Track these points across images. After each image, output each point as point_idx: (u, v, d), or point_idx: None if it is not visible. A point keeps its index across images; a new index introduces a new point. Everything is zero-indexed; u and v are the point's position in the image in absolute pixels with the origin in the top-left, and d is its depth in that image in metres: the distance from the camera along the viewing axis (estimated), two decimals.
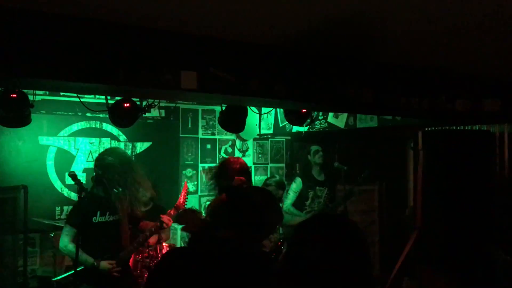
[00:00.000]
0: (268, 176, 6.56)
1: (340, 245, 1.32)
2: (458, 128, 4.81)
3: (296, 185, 5.11)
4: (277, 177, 5.45)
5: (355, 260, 1.32)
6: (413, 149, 4.59)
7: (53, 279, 4.16)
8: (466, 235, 3.76)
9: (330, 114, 5.46)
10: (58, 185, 5.27)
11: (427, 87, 3.83)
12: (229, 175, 3.51)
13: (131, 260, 4.48)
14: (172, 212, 4.00)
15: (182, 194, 4.11)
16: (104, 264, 3.60)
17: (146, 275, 4.46)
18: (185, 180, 6.11)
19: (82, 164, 5.40)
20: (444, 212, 3.91)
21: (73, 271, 3.66)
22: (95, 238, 3.62)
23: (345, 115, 5.28)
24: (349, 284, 1.30)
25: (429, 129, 4.91)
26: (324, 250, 1.31)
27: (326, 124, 5.54)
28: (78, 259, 3.38)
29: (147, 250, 4.55)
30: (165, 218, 3.90)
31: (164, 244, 4.79)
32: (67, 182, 5.25)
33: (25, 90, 3.30)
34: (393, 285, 3.88)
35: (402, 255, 4.04)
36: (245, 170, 3.60)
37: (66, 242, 3.61)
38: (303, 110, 4.21)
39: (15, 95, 3.14)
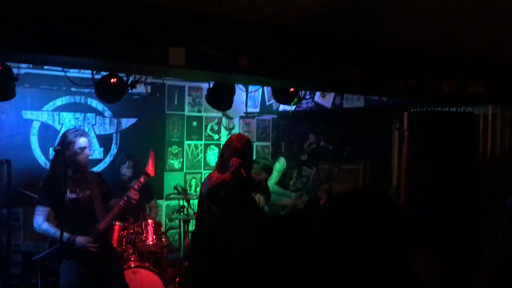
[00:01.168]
0: (254, 155, 6.57)
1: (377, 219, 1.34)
2: (443, 109, 4.87)
3: (280, 165, 5.13)
4: (264, 161, 5.39)
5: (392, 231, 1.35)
6: (398, 129, 4.64)
7: (32, 258, 4.18)
8: (448, 215, 3.84)
9: (317, 94, 5.46)
10: (42, 160, 5.22)
11: (413, 68, 3.85)
12: (228, 155, 3.83)
13: (115, 236, 4.49)
14: (142, 180, 3.99)
15: (150, 161, 4.12)
16: (80, 239, 3.64)
17: (130, 251, 4.49)
18: (170, 156, 6.10)
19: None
20: (427, 192, 3.98)
21: (51, 249, 3.71)
22: (69, 215, 3.63)
23: (332, 94, 5.29)
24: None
25: (415, 110, 4.97)
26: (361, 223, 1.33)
27: (312, 103, 5.55)
28: (58, 236, 3.43)
29: (132, 226, 4.57)
30: (131, 193, 3.78)
31: (149, 220, 4.81)
32: (51, 157, 5.19)
33: (9, 63, 3.24)
34: None
35: None
36: (242, 150, 3.85)
37: (39, 222, 3.67)
38: (291, 89, 4.21)
39: None
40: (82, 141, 3.72)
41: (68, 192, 3.67)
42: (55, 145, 4.00)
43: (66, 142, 3.70)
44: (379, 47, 3.67)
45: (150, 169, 4.05)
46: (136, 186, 3.86)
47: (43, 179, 3.84)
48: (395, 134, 5.54)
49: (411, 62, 3.84)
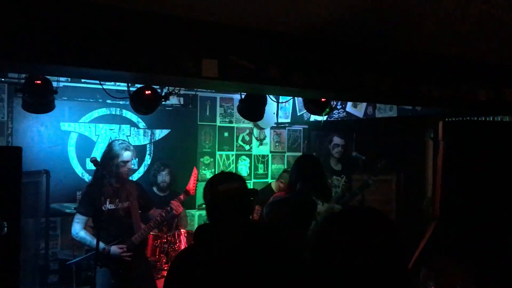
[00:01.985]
0: (285, 165, 6.58)
1: (372, 240, 1.28)
2: (480, 118, 4.75)
3: None
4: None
5: (389, 255, 1.29)
6: (433, 139, 4.54)
7: (67, 263, 4.27)
8: (485, 226, 3.73)
9: (349, 104, 5.42)
10: (79, 170, 5.37)
11: (448, 76, 3.77)
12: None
13: (149, 245, 4.56)
14: (182, 197, 4.02)
15: (192, 179, 4.14)
16: (115, 249, 3.70)
17: (164, 260, 4.55)
18: (202, 166, 6.16)
19: (103, 150, 5.44)
20: (463, 204, 3.87)
21: (86, 255, 3.79)
22: (106, 225, 3.70)
23: (364, 104, 5.24)
24: (383, 279, 1.27)
25: (450, 119, 4.86)
26: (355, 246, 1.28)
27: (344, 113, 5.51)
28: (94, 245, 3.48)
29: (165, 236, 4.63)
30: (174, 204, 3.92)
31: (182, 230, 4.86)
32: (87, 168, 5.34)
33: (48, 77, 3.36)
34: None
35: (420, 246, 4.03)
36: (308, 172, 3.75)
37: (77, 230, 3.76)
38: (322, 99, 4.21)
39: (39, 82, 3.21)
40: (126, 155, 3.79)
41: (107, 203, 3.75)
42: (100, 155, 4.05)
43: (111, 154, 3.77)
44: (411, 55, 3.62)
45: (191, 187, 4.06)
46: (176, 202, 3.91)
47: (84, 188, 3.94)
48: (430, 144, 5.43)
49: (446, 70, 3.77)
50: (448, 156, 4.01)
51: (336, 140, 5.09)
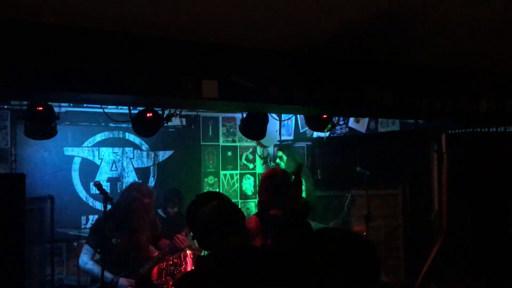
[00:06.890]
0: None
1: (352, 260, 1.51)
2: (482, 130, 4.73)
3: None
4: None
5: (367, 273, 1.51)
6: (437, 152, 4.52)
7: None
8: (493, 238, 3.68)
9: (351, 119, 5.42)
10: (83, 194, 5.37)
11: (449, 89, 3.77)
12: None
13: (155, 268, 4.50)
14: (187, 231, 3.94)
15: None
16: (123, 281, 3.63)
17: (170, 283, 4.49)
18: (206, 187, 6.13)
19: (106, 174, 5.48)
20: (470, 215, 3.83)
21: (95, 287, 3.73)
22: (114, 256, 3.65)
23: (366, 119, 5.24)
24: None
25: (453, 131, 4.84)
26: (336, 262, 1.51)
27: (347, 129, 5.50)
28: (101, 279, 3.40)
29: (171, 258, 4.59)
30: (179, 238, 3.84)
31: (188, 251, 4.81)
32: (91, 192, 5.34)
33: (50, 103, 3.38)
34: None
35: (428, 260, 3.98)
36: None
37: (85, 261, 3.70)
38: (324, 116, 4.20)
39: (41, 108, 3.22)
40: (146, 201, 3.74)
41: (117, 236, 3.70)
42: (119, 195, 3.95)
43: (129, 197, 3.73)
44: (412, 69, 3.63)
45: None
46: (181, 236, 3.85)
47: (95, 220, 3.89)
48: (434, 156, 5.40)
49: (446, 83, 3.77)
50: (453, 168, 3.99)
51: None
